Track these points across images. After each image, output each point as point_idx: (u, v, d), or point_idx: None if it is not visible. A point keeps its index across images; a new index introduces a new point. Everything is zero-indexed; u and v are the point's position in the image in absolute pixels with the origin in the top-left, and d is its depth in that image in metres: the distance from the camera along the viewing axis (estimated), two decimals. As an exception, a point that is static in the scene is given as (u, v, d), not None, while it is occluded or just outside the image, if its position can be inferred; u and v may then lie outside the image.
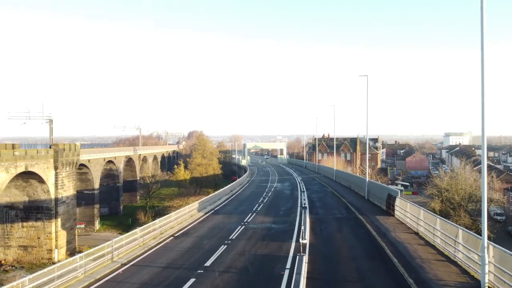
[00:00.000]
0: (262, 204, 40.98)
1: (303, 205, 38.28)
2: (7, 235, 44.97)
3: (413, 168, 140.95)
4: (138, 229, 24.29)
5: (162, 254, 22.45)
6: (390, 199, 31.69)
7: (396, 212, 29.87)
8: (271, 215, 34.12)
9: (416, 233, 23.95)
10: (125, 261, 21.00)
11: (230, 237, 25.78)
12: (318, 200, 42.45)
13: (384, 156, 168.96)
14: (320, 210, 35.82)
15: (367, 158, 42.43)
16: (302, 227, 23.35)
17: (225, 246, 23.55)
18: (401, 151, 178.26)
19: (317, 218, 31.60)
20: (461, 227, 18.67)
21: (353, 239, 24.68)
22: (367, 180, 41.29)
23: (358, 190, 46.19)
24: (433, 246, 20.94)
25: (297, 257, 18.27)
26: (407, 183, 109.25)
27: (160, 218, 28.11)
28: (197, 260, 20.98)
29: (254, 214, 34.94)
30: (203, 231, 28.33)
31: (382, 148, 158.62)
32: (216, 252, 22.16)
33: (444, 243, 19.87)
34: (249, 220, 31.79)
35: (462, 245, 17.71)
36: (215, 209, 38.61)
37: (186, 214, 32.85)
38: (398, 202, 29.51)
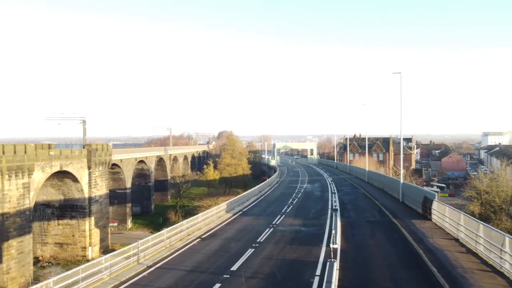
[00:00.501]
0: (291, 206, 40.02)
1: (334, 207, 37.05)
2: (44, 232, 45.90)
3: (449, 169, 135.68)
4: (164, 231, 23.93)
5: (188, 256, 21.97)
6: (427, 202, 30.05)
7: (433, 216, 28.25)
8: (301, 218, 33.13)
9: (456, 239, 22.40)
10: (151, 263, 20.63)
11: (258, 240, 25.03)
12: (350, 202, 41.06)
13: (418, 157, 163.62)
14: (352, 213, 34.52)
15: (401, 158, 40.53)
16: (333, 231, 22.26)
17: (253, 249, 22.82)
18: (437, 151, 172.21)
19: (349, 221, 30.36)
20: (508, 235, 17.12)
21: (387, 244, 23.36)
22: (401, 181, 39.53)
23: (392, 192, 44.42)
24: (475, 254, 19.43)
25: (328, 263, 17.34)
26: (443, 185, 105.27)
27: (187, 220, 27.71)
28: (223, 264, 20.36)
29: (283, 216, 34.06)
30: (230, 233, 27.72)
31: (416, 148, 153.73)
32: (243, 256, 21.46)
33: (488, 252, 18.36)
34: (277, 223, 30.94)
35: (510, 255, 16.23)
36: (243, 210, 37.98)
37: (213, 215, 32.36)
38: (436, 205, 27.88)
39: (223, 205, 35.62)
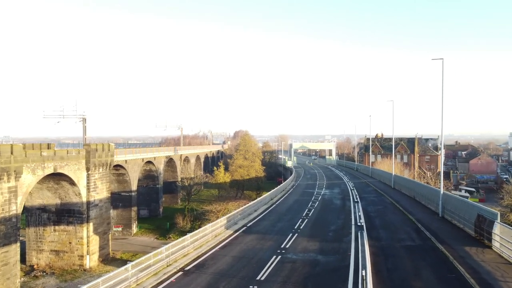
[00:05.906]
0: (306, 219, 33.33)
1: (358, 223, 30.28)
2: (39, 238, 42.02)
3: (478, 172, 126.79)
4: (129, 265, 17.57)
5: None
6: (483, 223, 23.00)
7: (494, 243, 21.28)
8: (317, 238, 26.42)
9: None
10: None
11: (258, 278, 18.42)
12: (377, 216, 34.04)
13: (444, 158, 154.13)
14: (382, 232, 27.53)
15: (442, 160, 33.11)
16: (362, 272, 15.67)
17: (249, 295, 16.31)
18: (463, 153, 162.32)
19: (380, 246, 23.48)
20: None
21: (441, 291, 16.34)
22: (441, 192, 32.23)
23: (427, 202, 37.29)
24: None
25: None
26: (473, 189, 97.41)
27: (168, 245, 21.17)
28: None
29: (296, 235, 27.43)
30: (224, 262, 21.22)
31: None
32: (233, 310, 14.97)
33: None
34: (287, 246, 24.30)
35: None
36: (248, 225, 31.50)
37: (208, 235, 25.95)
38: (499, 229, 20.85)
39: (222, 221, 29.08)
